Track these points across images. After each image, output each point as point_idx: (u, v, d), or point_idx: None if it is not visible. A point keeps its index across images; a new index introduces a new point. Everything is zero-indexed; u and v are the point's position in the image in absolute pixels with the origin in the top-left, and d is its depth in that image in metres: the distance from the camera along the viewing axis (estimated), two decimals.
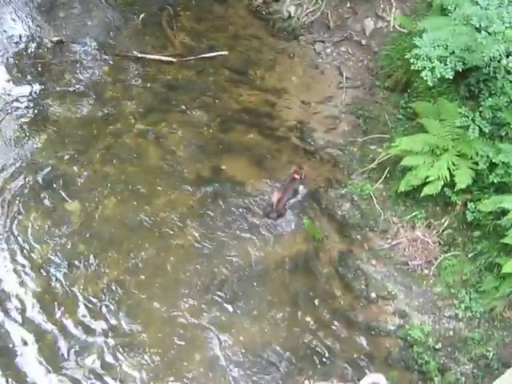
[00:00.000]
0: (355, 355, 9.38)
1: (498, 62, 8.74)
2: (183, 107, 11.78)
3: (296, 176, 10.79)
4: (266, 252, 10.14)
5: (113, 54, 12.48)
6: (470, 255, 9.83)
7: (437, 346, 9.42)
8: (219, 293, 9.70)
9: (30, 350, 8.97)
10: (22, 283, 9.52)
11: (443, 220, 10.21)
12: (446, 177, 9.61)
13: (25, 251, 9.82)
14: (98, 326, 9.28)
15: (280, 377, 9.10)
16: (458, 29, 8.99)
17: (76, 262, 9.80)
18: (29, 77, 12.03)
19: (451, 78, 9.08)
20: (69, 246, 9.94)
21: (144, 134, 11.38)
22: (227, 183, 10.86)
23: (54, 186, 10.59)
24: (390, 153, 10.46)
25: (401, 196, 10.44)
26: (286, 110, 11.99)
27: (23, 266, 9.71)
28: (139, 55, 12.41)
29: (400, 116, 11.26)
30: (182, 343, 9.22)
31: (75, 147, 11.08)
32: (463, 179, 9.50)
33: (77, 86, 11.91)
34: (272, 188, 10.81)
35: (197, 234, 10.20)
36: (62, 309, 9.35)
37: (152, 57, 12.43)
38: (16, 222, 10.13)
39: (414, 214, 10.35)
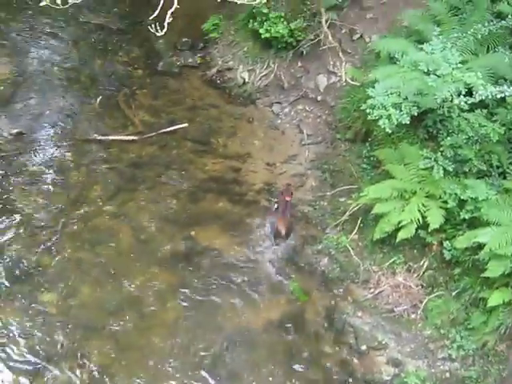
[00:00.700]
0: None
1: (451, 101, 8.96)
2: (150, 184, 11.76)
3: (287, 198, 10.93)
4: (252, 317, 9.98)
5: (74, 140, 12.46)
6: (453, 293, 9.81)
7: None
8: (209, 367, 9.44)
9: None
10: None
11: (422, 262, 10.21)
12: (418, 219, 9.68)
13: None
14: None
15: None
16: (407, 75, 9.26)
17: (56, 355, 9.43)
18: None
19: (408, 122, 9.28)
20: (48, 339, 9.58)
21: (113, 215, 11.28)
22: (203, 253, 10.77)
23: (27, 278, 10.29)
24: (359, 203, 10.53)
25: (377, 244, 10.46)
26: (252, 173, 12.09)
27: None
28: (100, 138, 12.44)
29: (365, 165, 11.38)
30: None
31: (45, 237, 10.88)
32: (435, 219, 9.58)
33: (40, 175, 11.78)
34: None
35: (179, 309, 10.00)
36: None
37: (113, 138, 12.50)
38: None
39: (392, 260, 10.36)
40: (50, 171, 11.90)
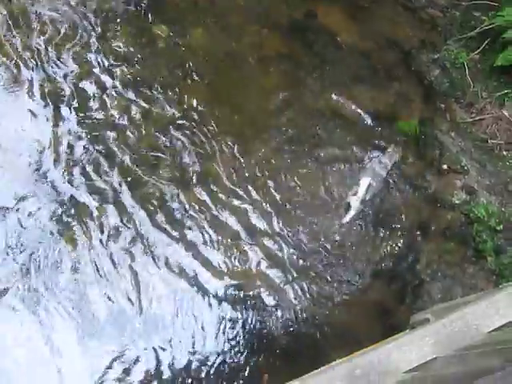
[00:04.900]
0: (415, 222, 9.27)
1: None
2: None
3: None
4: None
5: None
6: None
7: (498, 228, 9.25)
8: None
9: None
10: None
11: None
12: None
13: (110, 69, 9.77)
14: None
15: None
16: None
17: (157, 86, 9.64)
18: None
19: None
20: (151, 70, 9.82)
21: None
22: (319, 32, 10.46)
23: (145, 7, 10.36)
24: (494, 22, 9.83)
25: (495, 71, 9.92)
26: None
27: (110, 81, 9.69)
28: None
29: None
30: None
31: None
32: None
33: None
34: None
35: (280, 78, 9.95)
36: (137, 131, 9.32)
37: None
38: (99, 42, 9.95)
39: (505, 91, 9.88)
40: None
